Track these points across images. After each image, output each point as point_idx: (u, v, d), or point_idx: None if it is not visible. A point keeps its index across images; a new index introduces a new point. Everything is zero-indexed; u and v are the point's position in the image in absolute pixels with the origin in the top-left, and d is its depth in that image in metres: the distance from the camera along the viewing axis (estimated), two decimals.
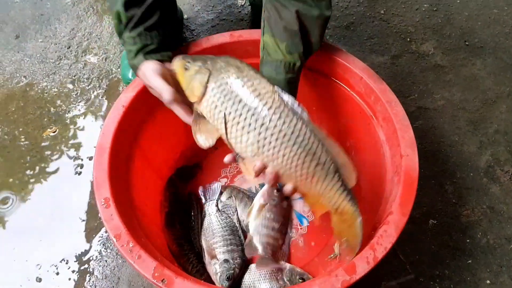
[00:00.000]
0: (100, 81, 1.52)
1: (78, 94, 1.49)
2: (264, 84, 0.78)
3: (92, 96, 1.48)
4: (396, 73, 1.50)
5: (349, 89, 1.15)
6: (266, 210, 1.17)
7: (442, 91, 1.45)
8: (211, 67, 0.81)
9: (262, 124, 0.77)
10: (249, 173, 0.83)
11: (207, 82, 0.80)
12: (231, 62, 0.81)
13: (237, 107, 0.78)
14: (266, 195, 1.18)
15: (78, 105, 1.46)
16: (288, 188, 0.83)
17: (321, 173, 0.80)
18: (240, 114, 0.78)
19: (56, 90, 1.50)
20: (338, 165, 0.82)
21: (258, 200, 1.18)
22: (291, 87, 1.00)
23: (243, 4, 1.68)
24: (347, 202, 0.84)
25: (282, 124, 0.77)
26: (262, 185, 1.23)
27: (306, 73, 1.19)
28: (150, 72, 0.91)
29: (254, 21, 1.64)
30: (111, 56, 1.57)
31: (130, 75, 1.47)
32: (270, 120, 0.77)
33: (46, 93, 1.50)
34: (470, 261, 1.12)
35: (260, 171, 0.81)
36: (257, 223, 1.16)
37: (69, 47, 1.60)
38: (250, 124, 0.78)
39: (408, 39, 1.57)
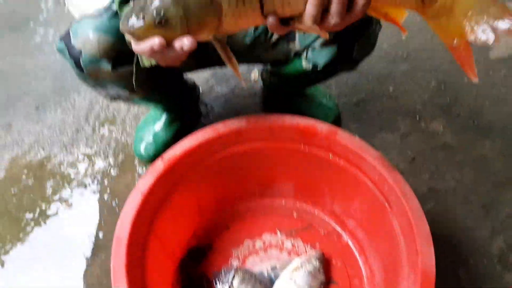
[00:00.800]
0: (116, 155, 1.55)
1: (94, 167, 1.52)
2: None
3: (108, 170, 1.51)
4: (406, 151, 1.53)
5: (362, 175, 1.17)
6: (298, 274, 1.16)
7: (453, 172, 1.47)
8: None
9: None
10: (314, 29, 0.71)
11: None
12: None
13: None
14: (305, 258, 1.17)
15: (94, 179, 1.49)
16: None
17: None
18: None
19: (73, 163, 1.54)
20: None
21: (296, 261, 1.17)
22: None
23: (256, 79, 1.74)
24: None
25: None
26: (273, 268, 1.24)
27: (316, 155, 1.22)
28: None
29: (267, 97, 1.69)
30: (128, 129, 1.61)
31: (142, 149, 1.51)
32: None
33: (63, 166, 1.53)
34: None
35: (319, 15, 0.71)
36: (282, 282, 1.14)
37: (87, 119, 1.65)
38: None
39: (417, 117, 1.61)
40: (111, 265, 0.94)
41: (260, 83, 1.72)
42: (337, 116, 1.59)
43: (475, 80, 0.75)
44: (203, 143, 1.20)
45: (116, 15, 1.10)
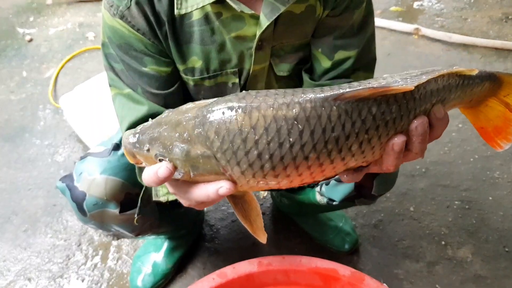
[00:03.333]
0: (110, 287, 1.39)
1: None
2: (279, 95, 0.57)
3: None
4: (434, 284, 1.37)
5: None
6: None
7: None
8: (199, 135, 0.57)
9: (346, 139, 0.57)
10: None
11: (224, 163, 0.57)
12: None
13: (294, 136, 0.56)
14: None
15: None
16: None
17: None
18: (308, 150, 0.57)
19: None
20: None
21: None
22: None
23: (265, 196, 1.62)
24: (477, 86, 0.67)
25: (380, 115, 0.58)
26: None
27: None
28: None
29: (276, 216, 1.56)
30: (124, 256, 1.46)
31: (139, 281, 1.35)
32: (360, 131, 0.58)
33: None
34: None
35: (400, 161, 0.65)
36: None
37: (79, 245, 1.50)
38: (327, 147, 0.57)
39: (443, 243, 1.47)
40: None
41: (270, 201, 1.60)
42: (355, 241, 1.44)
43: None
44: None
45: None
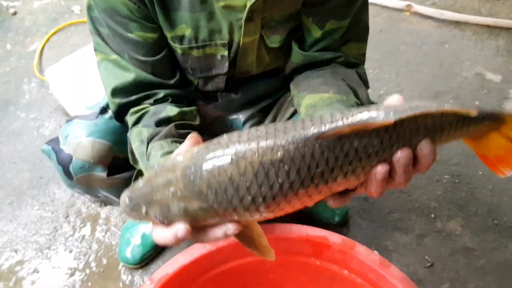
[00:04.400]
0: (98, 258, 1.37)
1: (74, 274, 1.33)
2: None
3: (89, 278, 1.33)
4: (423, 256, 1.38)
5: None
6: None
7: (476, 280, 1.32)
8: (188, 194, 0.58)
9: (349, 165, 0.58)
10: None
11: (222, 211, 0.58)
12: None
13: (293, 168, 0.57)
14: None
15: None
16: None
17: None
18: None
19: (49, 269, 1.35)
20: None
21: None
22: None
23: None
24: (475, 126, 0.63)
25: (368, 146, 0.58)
26: None
27: (329, 270, 1.08)
28: None
29: None
30: (112, 228, 1.44)
31: (128, 252, 1.34)
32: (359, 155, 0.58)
33: (37, 273, 1.34)
34: None
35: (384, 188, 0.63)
36: None
37: (67, 217, 1.48)
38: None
39: (432, 216, 1.47)
40: None
41: None
42: (345, 214, 1.45)
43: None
44: (200, 259, 1.04)
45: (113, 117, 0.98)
